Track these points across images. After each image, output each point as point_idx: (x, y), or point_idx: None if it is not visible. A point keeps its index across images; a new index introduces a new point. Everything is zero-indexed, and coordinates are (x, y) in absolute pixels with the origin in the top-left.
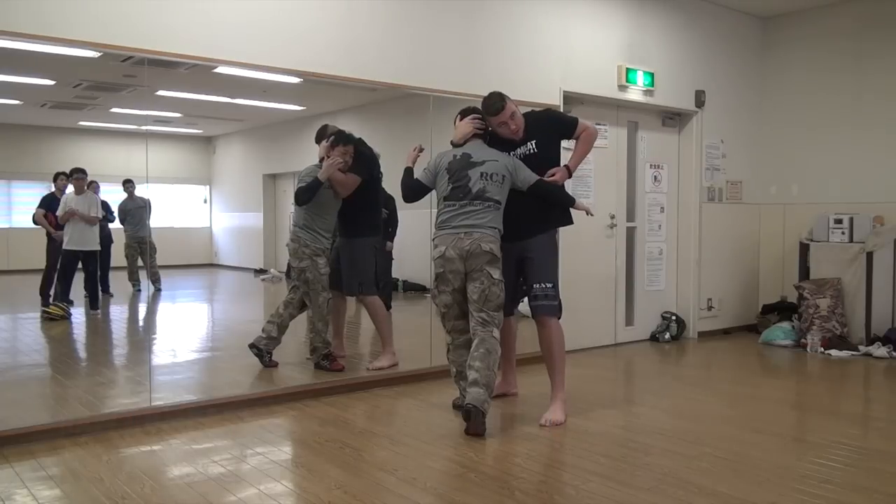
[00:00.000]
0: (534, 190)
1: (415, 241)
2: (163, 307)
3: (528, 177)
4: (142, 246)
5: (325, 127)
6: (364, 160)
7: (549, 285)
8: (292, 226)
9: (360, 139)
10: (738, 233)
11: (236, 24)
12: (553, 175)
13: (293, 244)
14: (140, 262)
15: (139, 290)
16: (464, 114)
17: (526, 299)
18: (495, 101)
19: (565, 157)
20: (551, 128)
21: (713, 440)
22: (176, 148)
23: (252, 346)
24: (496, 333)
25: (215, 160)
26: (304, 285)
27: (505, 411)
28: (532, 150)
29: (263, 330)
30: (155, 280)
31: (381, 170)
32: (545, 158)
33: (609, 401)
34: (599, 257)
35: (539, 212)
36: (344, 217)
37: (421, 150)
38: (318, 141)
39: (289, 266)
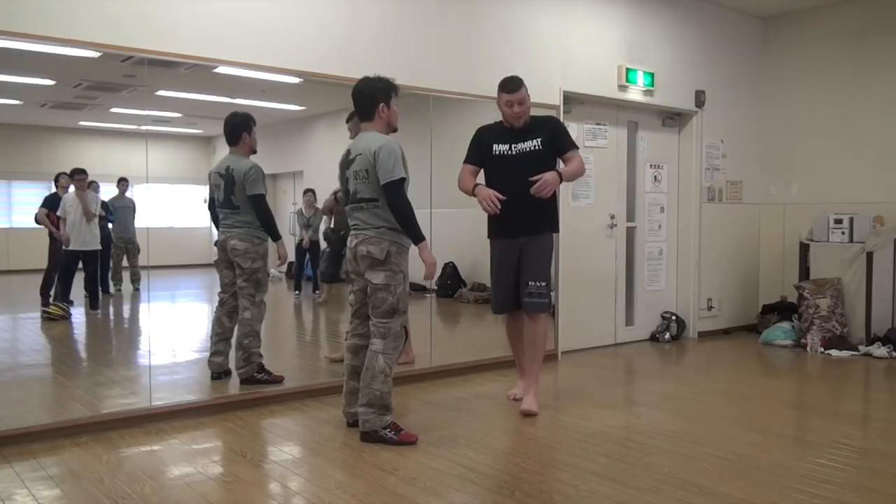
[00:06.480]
0: (383, 190)
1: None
2: (163, 307)
3: (383, 173)
4: (128, 246)
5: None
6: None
7: (542, 283)
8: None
9: None
10: (738, 233)
11: (236, 24)
12: (541, 177)
13: (244, 243)
14: (125, 263)
15: (138, 290)
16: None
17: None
18: (513, 79)
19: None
20: (555, 134)
21: (713, 440)
22: (176, 148)
23: (252, 377)
24: (377, 345)
25: (215, 160)
26: (252, 287)
27: (505, 411)
28: (537, 147)
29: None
30: (134, 280)
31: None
32: (547, 157)
33: (609, 401)
34: (599, 257)
35: (542, 211)
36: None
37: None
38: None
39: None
